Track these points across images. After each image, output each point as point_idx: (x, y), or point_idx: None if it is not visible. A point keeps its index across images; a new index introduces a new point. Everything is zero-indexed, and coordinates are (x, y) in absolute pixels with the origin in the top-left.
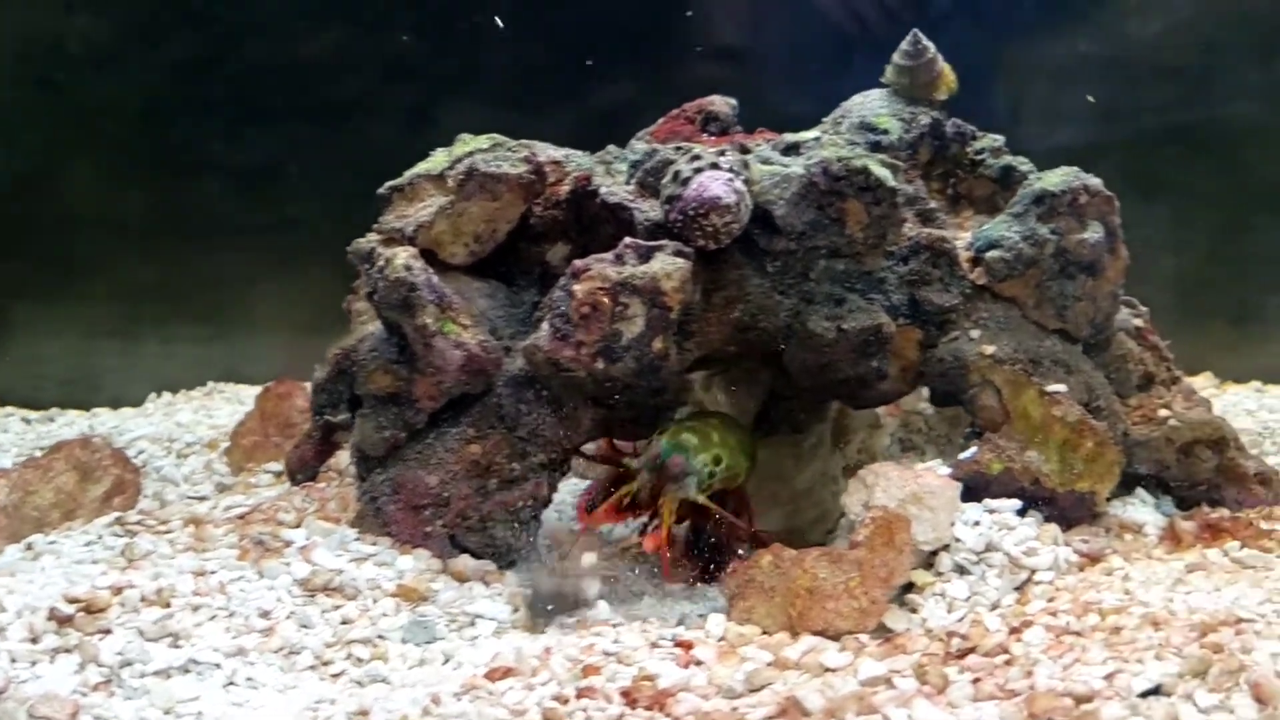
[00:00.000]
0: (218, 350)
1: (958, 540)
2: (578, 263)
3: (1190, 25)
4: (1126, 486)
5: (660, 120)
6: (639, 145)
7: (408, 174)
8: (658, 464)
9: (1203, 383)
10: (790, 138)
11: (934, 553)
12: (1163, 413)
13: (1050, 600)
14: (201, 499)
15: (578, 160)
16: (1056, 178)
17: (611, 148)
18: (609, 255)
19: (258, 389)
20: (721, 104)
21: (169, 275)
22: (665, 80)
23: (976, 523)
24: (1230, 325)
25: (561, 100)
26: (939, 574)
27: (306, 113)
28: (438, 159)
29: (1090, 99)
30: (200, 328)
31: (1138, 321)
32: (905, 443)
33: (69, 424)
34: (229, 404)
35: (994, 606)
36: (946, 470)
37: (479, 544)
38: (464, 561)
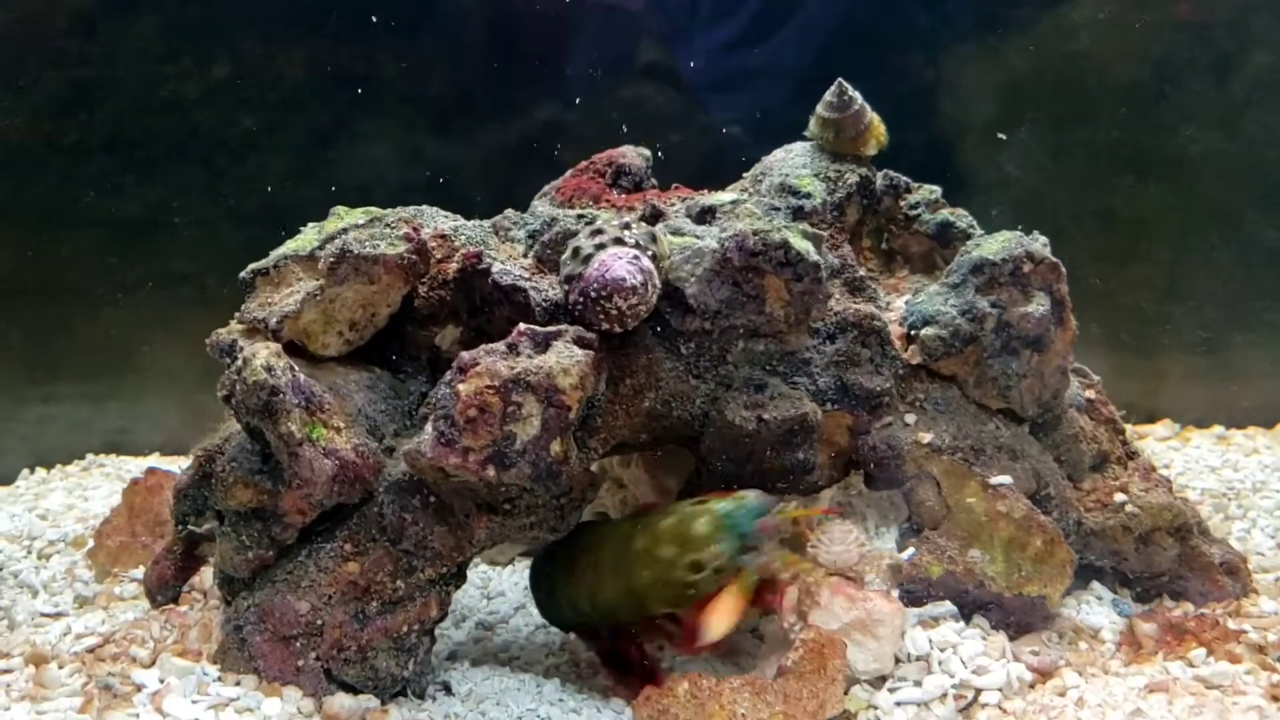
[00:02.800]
0: (103, 415)
1: (899, 662)
2: (465, 355)
3: (1142, 50)
4: (1082, 578)
5: (568, 173)
6: (540, 208)
7: (274, 254)
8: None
9: (1163, 430)
10: (705, 200)
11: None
12: (1119, 497)
13: None
14: (57, 615)
15: (468, 233)
16: (997, 244)
17: (509, 212)
18: (500, 346)
19: (140, 460)
20: (634, 156)
21: (46, 336)
22: (593, 101)
23: (930, 640)
24: (1191, 363)
25: (470, 130)
26: (872, 697)
27: (191, 158)
28: (307, 237)
29: (1001, 136)
30: (83, 392)
31: (1089, 393)
32: (845, 507)
33: None
34: (107, 481)
35: None
36: (899, 554)
37: (358, 677)
38: (340, 701)
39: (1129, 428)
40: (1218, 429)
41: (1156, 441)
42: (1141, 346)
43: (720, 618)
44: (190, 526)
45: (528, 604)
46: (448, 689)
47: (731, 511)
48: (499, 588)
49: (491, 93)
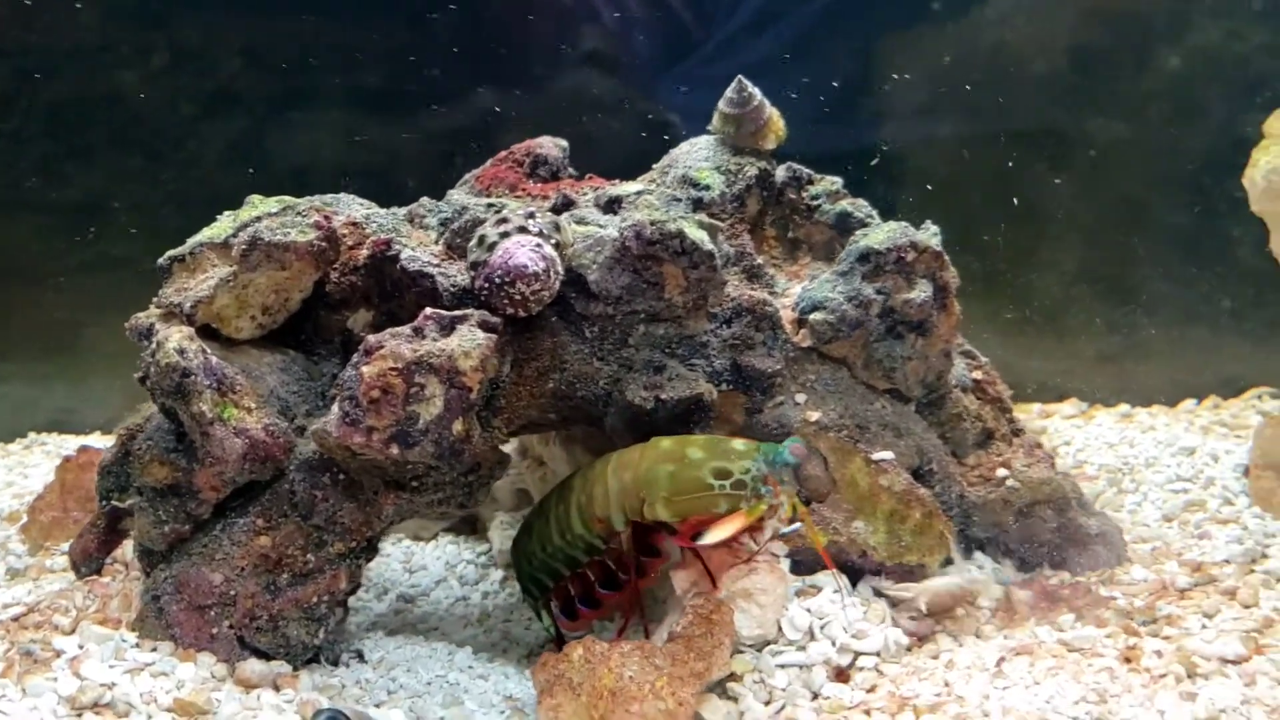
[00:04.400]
0: (49, 395)
1: (782, 633)
2: (370, 339)
3: (1055, 39)
4: (965, 549)
5: (488, 163)
6: (455, 196)
7: (190, 242)
8: (779, 463)
9: (1069, 409)
10: (613, 190)
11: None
12: (1001, 472)
13: (870, 690)
14: None
15: (379, 221)
16: (882, 234)
17: (425, 200)
18: (406, 329)
19: (82, 440)
20: (551, 146)
21: None
22: (530, 88)
23: (808, 610)
24: (1100, 345)
25: (403, 117)
26: (758, 661)
27: (129, 145)
28: (222, 225)
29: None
30: (29, 373)
31: (977, 374)
32: None
33: None
34: (48, 459)
35: (815, 695)
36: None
37: (270, 644)
38: (251, 666)
39: (1037, 405)
40: (1124, 407)
41: (1062, 419)
42: (1053, 329)
43: (723, 529)
44: (114, 502)
45: (449, 578)
46: (361, 656)
47: (771, 445)
48: (421, 562)
49: (429, 78)
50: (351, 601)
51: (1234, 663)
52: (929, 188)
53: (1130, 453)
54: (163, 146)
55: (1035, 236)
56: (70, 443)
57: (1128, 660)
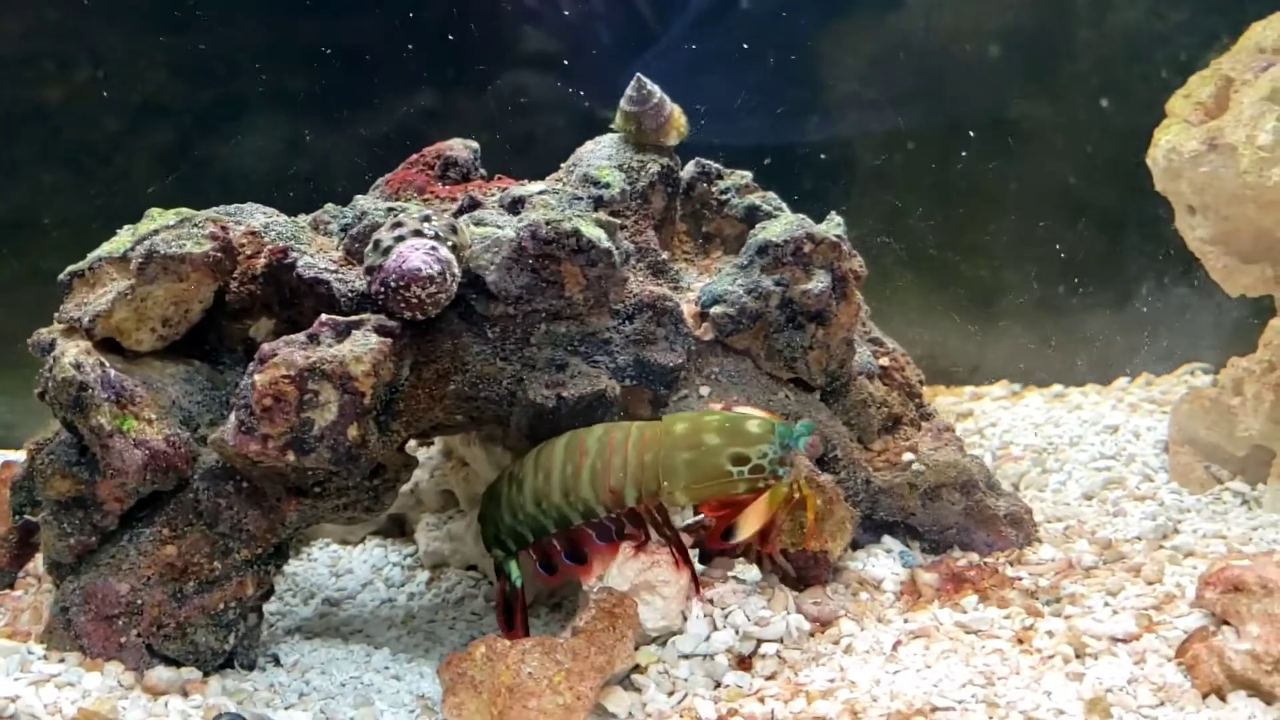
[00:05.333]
0: None
1: (686, 622)
2: (265, 347)
3: (978, 25)
4: (874, 533)
5: (400, 167)
6: (361, 201)
7: (90, 256)
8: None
9: (999, 391)
10: (517, 191)
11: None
12: (907, 456)
13: (770, 677)
14: None
15: (279, 229)
16: (780, 227)
17: (329, 206)
18: (301, 336)
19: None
20: (461, 148)
21: None
22: (470, 87)
23: (710, 600)
24: (1032, 326)
25: (337, 121)
26: (661, 652)
27: (57, 159)
28: (121, 239)
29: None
30: None
31: (884, 361)
32: None
33: None
34: None
35: (718, 685)
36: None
37: (179, 651)
38: (159, 674)
39: (970, 388)
40: (1056, 387)
41: (991, 401)
42: (984, 313)
43: (752, 521)
44: (27, 516)
45: (375, 580)
46: (277, 660)
47: (784, 425)
48: (347, 565)
49: (356, 84)
50: (277, 606)
51: (1124, 641)
52: (860, 176)
53: (1055, 432)
54: (89, 161)
55: (969, 221)
56: (8, 458)
57: (1020, 641)
